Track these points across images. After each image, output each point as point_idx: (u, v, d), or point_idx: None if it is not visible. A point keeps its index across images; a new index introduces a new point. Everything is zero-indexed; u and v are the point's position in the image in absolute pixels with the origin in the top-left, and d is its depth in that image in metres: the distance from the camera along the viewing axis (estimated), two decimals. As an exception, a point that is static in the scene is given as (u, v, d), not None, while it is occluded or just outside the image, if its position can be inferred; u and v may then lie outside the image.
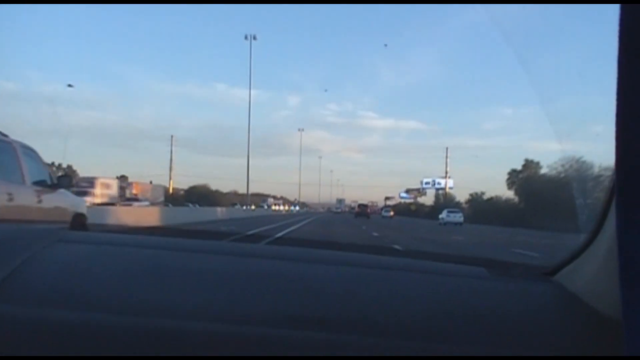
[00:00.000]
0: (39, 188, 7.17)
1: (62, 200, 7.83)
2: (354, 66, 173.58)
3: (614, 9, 0.60)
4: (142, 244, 1.13)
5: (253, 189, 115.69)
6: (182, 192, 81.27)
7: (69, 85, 54.98)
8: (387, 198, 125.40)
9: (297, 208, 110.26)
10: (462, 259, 1.31)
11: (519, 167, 63.44)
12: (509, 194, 62.70)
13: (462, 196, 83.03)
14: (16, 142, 7.05)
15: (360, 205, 65.17)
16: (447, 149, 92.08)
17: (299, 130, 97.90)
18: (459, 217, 45.04)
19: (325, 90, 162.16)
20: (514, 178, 62.35)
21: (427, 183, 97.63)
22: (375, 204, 72.88)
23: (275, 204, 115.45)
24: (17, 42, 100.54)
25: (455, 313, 0.87)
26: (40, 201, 7.12)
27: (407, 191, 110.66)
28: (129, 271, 0.94)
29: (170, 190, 74.31)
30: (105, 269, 0.94)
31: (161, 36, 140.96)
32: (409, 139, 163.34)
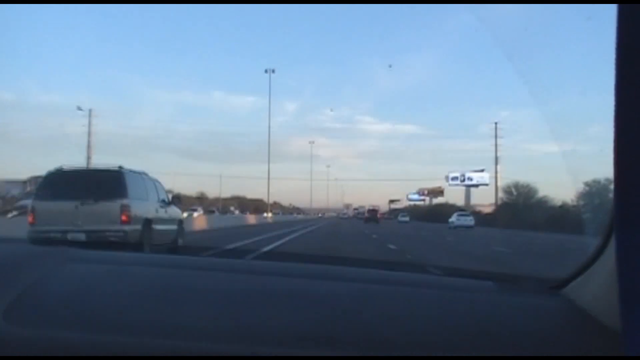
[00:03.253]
0: (163, 204, 11.92)
1: (174, 211, 12.57)
2: (350, 71, 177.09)
3: (611, 9, 0.59)
4: (149, 262, 1.18)
5: (250, 195, 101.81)
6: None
7: (79, 109, 57.53)
8: (392, 201, 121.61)
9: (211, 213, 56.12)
10: (471, 272, 1.34)
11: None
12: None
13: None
14: (152, 177, 11.84)
15: (369, 210, 62.77)
16: (496, 124, 65.88)
17: (267, 71, 62.37)
18: (469, 221, 45.17)
19: (331, 110, 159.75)
20: None
21: (454, 178, 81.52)
22: (377, 207, 67.75)
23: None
24: (15, 52, 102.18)
25: (464, 328, 0.88)
26: (165, 212, 11.88)
27: (420, 191, 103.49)
28: (137, 291, 0.96)
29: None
30: (114, 289, 0.96)
31: (157, 43, 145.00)
32: (406, 143, 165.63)
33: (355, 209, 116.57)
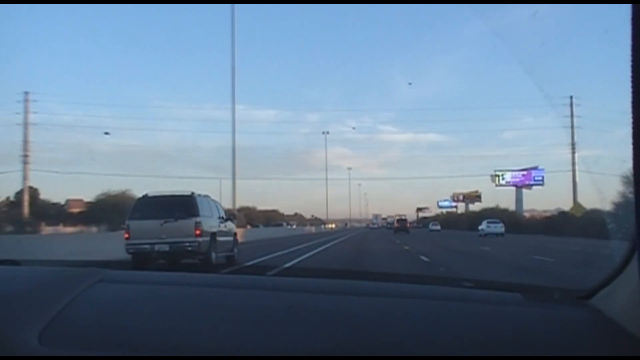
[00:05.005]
0: (222, 220, 14.59)
1: (229, 225, 15.22)
2: (371, 81, 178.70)
3: (626, 9, 0.57)
4: (180, 281, 1.19)
5: (261, 207, 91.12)
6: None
7: (106, 133, 62.43)
8: (419, 209, 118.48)
9: None
10: (498, 284, 1.33)
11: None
12: None
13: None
14: (214, 199, 14.55)
15: (399, 220, 63.13)
16: (571, 98, 49.15)
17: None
18: (500, 228, 44.57)
19: (353, 128, 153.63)
20: None
21: (496, 177, 68.39)
22: (404, 216, 68.05)
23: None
24: (37, 73, 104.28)
25: (492, 342, 0.88)
26: (225, 226, 14.55)
27: (454, 197, 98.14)
28: (167, 311, 0.98)
29: (26, 202, 46.13)
30: (147, 309, 0.99)
31: (179, 58, 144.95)
32: (429, 151, 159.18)
33: (383, 218, 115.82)
